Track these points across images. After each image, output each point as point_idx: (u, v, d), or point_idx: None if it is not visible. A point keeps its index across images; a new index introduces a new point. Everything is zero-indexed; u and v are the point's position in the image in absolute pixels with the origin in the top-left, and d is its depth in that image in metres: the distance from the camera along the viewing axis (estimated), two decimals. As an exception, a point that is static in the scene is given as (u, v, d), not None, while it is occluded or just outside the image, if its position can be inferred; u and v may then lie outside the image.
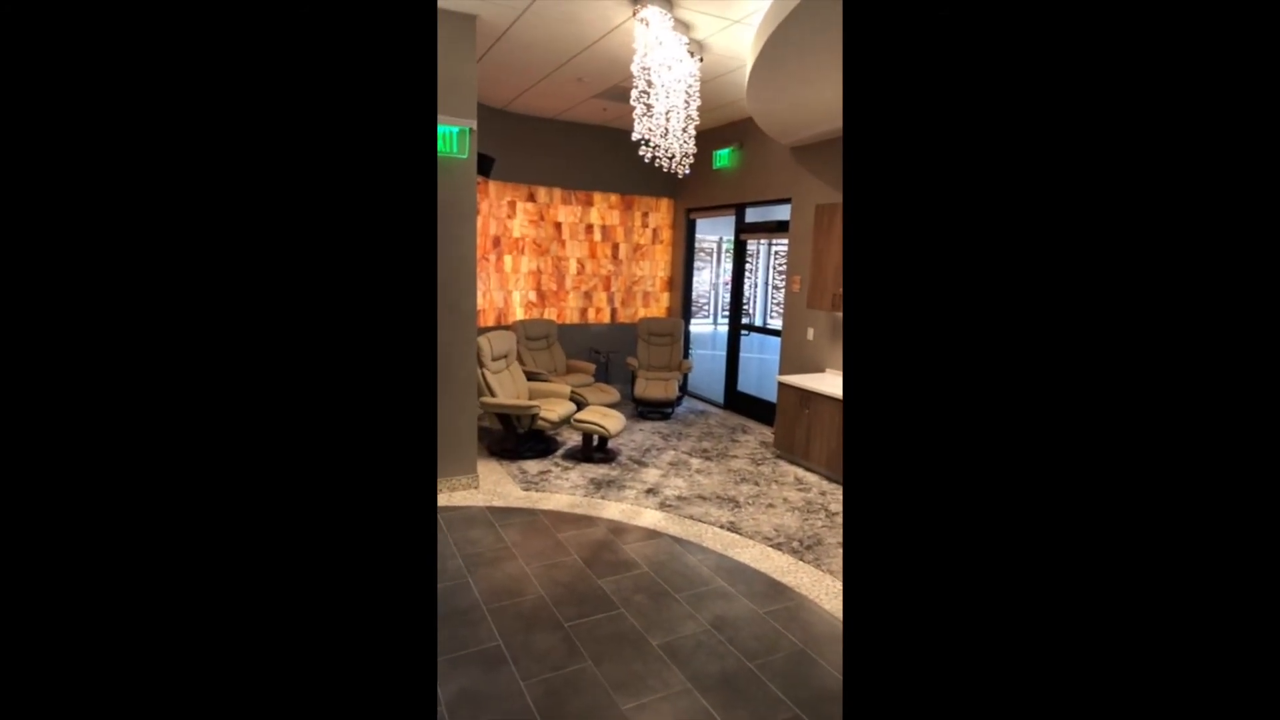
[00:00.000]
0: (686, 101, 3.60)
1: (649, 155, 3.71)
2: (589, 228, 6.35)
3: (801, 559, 3.16)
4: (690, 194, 6.47)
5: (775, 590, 2.85)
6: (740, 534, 3.42)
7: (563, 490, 3.94)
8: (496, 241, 5.88)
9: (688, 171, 3.94)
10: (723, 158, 5.85)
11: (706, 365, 7.29)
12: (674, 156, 3.73)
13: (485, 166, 4.53)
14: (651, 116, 3.55)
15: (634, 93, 3.47)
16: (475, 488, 3.91)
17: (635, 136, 3.64)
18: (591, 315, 6.51)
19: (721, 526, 3.50)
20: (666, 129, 3.61)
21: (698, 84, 3.67)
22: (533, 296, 6.18)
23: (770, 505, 3.83)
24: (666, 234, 6.74)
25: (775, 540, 3.35)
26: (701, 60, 3.85)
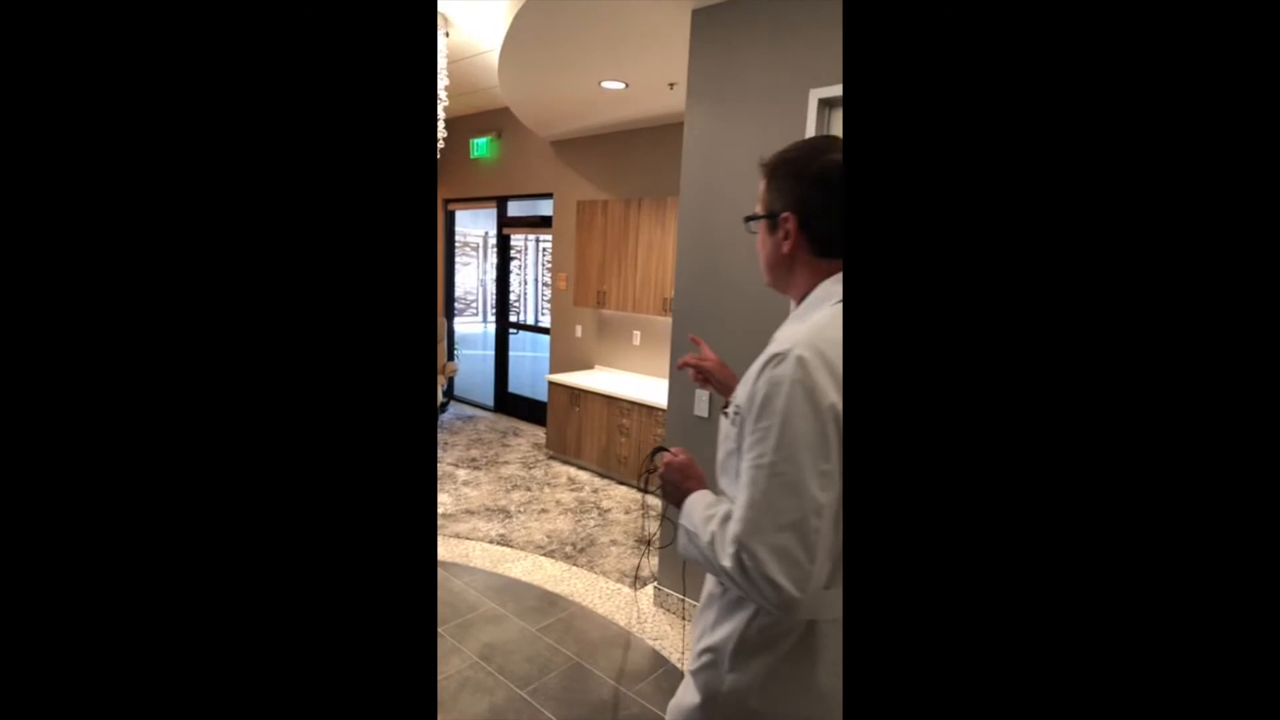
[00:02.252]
0: (431, 79, 3.27)
1: (389, 135, 3.29)
2: (328, 216, 5.55)
3: (575, 564, 3.08)
4: (448, 184, 6.03)
5: (548, 603, 2.72)
6: (512, 546, 3.22)
7: (299, 525, 3.34)
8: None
9: (437, 157, 3.60)
10: (481, 147, 5.54)
11: (475, 366, 6.90)
12: (419, 139, 3.36)
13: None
14: (390, 91, 3.14)
15: (366, 60, 3.03)
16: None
17: (371, 112, 3.19)
18: (336, 316, 5.71)
19: (491, 541, 3.27)
20: (409, 107, 3.23)
21: (444, 62, 3.35)
22: (257, 295, 5.20)
23: (543, 510, 3.70)
24: (423, 226, 6.21)
25: (548, 548, 3.23)
26: (448, 35, 3.52)
